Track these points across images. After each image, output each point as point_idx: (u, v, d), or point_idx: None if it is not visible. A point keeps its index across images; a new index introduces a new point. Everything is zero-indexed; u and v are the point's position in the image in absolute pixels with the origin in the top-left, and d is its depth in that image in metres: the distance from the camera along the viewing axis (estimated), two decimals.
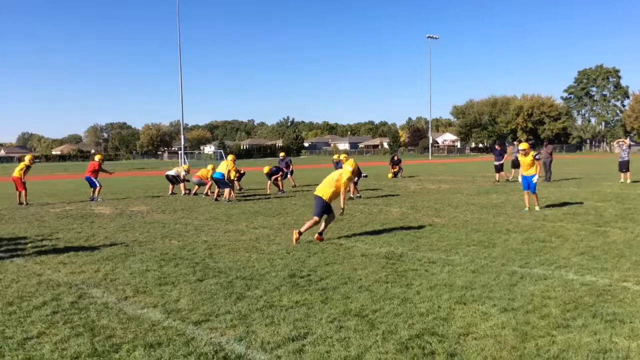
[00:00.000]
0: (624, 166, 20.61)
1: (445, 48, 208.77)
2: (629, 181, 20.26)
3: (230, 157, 17.32)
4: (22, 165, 17.17)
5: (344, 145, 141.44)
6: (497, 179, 22.14)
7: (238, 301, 5.63)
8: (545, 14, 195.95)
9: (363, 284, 6.22)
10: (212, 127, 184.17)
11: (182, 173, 19.09)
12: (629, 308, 5.14)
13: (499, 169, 22.23)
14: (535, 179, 12.63)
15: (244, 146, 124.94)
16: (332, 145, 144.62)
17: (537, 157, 12.88)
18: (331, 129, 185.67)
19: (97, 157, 18.37)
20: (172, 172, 19.23)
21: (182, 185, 18.85)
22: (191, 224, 11.49)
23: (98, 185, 17.50)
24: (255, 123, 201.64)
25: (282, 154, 21.60)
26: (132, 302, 5.71)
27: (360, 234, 9.74)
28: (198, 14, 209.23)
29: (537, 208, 12.65)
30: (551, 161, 22.38)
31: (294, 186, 21.14)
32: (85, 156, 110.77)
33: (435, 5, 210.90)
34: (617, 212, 11.94)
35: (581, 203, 13.86)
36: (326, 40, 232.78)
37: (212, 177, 16.96)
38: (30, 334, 4.76)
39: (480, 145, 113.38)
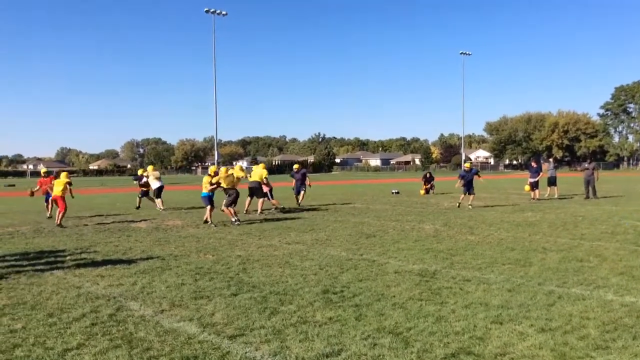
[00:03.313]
0: None
1: (478, 64, 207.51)
2: None
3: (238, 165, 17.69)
4: (63, 182, 15.46)
5: (375, 162, 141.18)
6: (533, 197, 21.79)
7: (272, 316, 5.67)
8: (580, 28, 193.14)
9: (397, 301, 6.19)
10: (244, 143, 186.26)
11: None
12: None
13: (535, 186, 21.88)
14: None
15: (276, 162, 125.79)
16: (363, 161, 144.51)
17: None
18: (362, 144, 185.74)
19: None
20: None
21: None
22: (225, 239, 11.62)
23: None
24: (287, 139, 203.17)
25: (296, 166, 20.72)
26: (169, 315, 5.80)
27: (394, 251, 9.70)
28: (231, 28, 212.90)
29: None
30: (594, 179, 21.95)
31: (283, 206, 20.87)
32: (121, 171, 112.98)
33: (468, 20, 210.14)
34: None
35: (619, 222, 13.53)
36: (357, 55, 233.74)
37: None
38: (70, 345, 4.87)
39: (515, 162, 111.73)
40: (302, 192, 19.69)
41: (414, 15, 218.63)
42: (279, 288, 6.94)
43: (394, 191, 28.51)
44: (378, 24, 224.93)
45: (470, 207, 18.20)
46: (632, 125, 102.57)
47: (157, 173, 20.07)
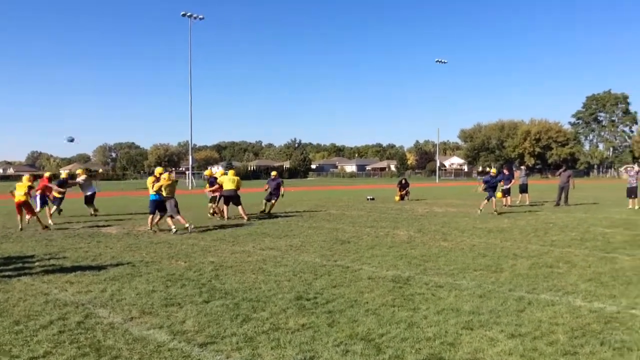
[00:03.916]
0: (632, 192, 20.53)
1: (454, 71, 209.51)
2: (637, 207, 20.17)
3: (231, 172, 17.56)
4: (24, 186, 14.85)
5: (351, 168, 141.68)
6: (504, 203, 22.07)
7: (244, 323, 5.62)
8: (553, 38, 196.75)
9: (370, 308, 6.20)
10: (220, 148, 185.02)
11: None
12: (637, 336, 5.09)
13: (507, 193, 22.17)
14: None
15: (252, 167, 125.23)
16: (339, 167, 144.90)
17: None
18: (338, 150, 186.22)
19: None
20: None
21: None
22: (197, 245, 11.50)
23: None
24: (263, 144, 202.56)
25: (273, 174, 20.58)
26: (138, 322, 5.71)
27: (368, 257, 9.72)
28: (208, 33, 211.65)
29: None
30: (569, 186, 22.35)
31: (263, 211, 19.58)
32: (93, 175, 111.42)
33: (444, 29, 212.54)
34: (625, 239, 11.88)
35: (589, 229, 13.79)
36: (334, 62, 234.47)
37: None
38: (36, 354, 4.76)
39: (488, 168, 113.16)
40: (273, 201, 19.39)
41: (390, 21, 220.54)
42: (251, 295, 6.89)
43: (369, 197, 28.62)
44: (355, 30, 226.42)
45: (495, 212, 18.29)
46: (602, 133, 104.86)
47: (86, 177, 19.56)
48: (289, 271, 8.43)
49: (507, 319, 5.67)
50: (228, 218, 16.75)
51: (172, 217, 13.88)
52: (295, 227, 14.88)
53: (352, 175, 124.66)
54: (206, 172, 20.33)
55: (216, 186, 17.53)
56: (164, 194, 13.90)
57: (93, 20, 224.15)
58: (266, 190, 19.61)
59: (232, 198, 16.87)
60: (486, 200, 18.76)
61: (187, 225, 13.77)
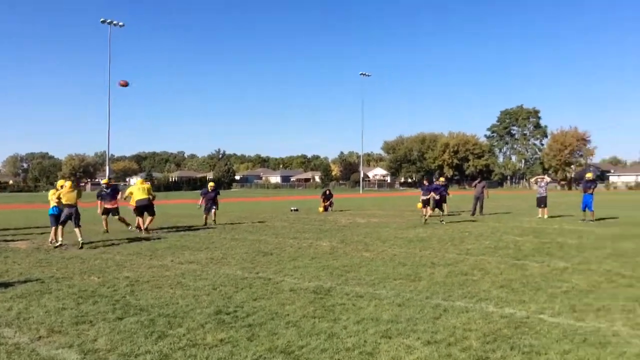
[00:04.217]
0: (542, 202, 21.70)
1: (378, 84, 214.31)
2: (546, 216, 21.30)
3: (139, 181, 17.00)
4: None
5: (275, 179, 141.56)
6: (424, 213, 22.67)
7: (159, 340, 5.42)
8: (470, 54, 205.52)
9: (290, 320, 6.16)
10: (139, 158, 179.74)
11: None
12: (545, 340, 5.35)
13: (427, 203, 22.80)
14: None
15: (173, 178, 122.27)
16: (263, 178, 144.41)
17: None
18: (263, 161, 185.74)
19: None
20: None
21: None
22: (112, 259, 11.04)
23: None
24: (185, 155, 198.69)
25: (211, 185, 20.32)
26: (46, 342, 5.39)
27: (290, 269, 9.68)
28: (128, 40, 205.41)
29: None
30: (484, 196, 23.37)
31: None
32: (2, 187, 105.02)
33: (368, 42, 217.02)
34: (534, 246, 12.50)
35: (502, 237, 14.43)
36: (259, 72, 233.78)
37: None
38: None
39: (410, 179, 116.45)
40: (213, 211, 19.23)
41: (315, 33, 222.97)
42: (168, 310, 6.68)
43: (293, 208, 28.65)
44: (280, 40, 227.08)
45: (442, 221, 19.33)
46: (515, 146, 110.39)
47: None
48: (209, 285, 8.25)
49: (423, 327, 5.80)
50: (146, 230, 16.16)
51: (79, 227, 13.26)
52: (217, 239, 14.63)
53: (276, 186, 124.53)
54: (103, 181, 18.96)
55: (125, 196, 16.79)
56: (64, 201, 13.32)
57: (2, 23, 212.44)
58: (202, 204, 19.26)
59: (146, 207, 16.32)
60: (431, 210, 19.82)
61: (79, 240, 13.02)
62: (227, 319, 6.21)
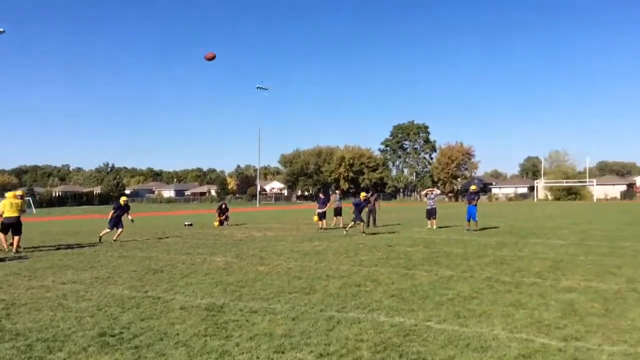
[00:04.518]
0: (432, 213, 22.71)
1: (276, 97, 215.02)
2: (435, 227, 22.30)
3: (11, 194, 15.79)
4: None
5: (169, 193, 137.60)
6: (320, 226, 22.99)
7: None
8: (363, 71, 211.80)
9: (180, 339, 5.94)
10: (20, 172, 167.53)
11: None
12: (431, 346, 5.54)
13: (322, 216, 23.14)
14: None
15: (57, 193, 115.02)
16: (156, 192, 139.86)
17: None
18: (156, 175, 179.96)
19: None
20: None
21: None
22: None
23: None
24: (70, 168, 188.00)
25: (123, 199, 19.19)
26: None
27: (181, 286, 9.37)
28: (9, 47, 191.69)
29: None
30: (376, 209, 24.10)
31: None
32: None
33: (264, 54, 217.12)
34: (424, 256, 13.01)
35: (394, 248, 14.90)
36: (150, 85, 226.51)
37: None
38: None
39: (306, 193, 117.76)
40: (119, 230, 18.15)
41: (211, 43, 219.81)
42: (48, 334, 6.21)
43: (186, 223, 27.91)
44: (170, 52, 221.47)
45: (364, 233, 18.56)
46: (407, 160, 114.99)
47: None
48: (93, 306, 7.78)
49: (317, 339, 5.81)
50: (15, 248, 14.93)
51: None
52: (103, 257, 13.88)
53: (170, 200, 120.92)
54: None
55: None
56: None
57: None
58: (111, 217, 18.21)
59: (14, 226, 15.11)
60: (352, 222, 20.13)
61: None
62: (112, 341, 5.88)
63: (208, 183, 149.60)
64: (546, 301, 7.73)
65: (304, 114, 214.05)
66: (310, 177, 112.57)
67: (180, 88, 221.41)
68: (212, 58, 14.69)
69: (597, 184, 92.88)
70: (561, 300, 7.81)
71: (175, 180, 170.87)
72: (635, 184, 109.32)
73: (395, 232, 20.92)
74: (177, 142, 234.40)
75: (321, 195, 25.27)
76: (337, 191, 30.76)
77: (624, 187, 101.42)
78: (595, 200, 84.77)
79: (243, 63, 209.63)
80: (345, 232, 20.13)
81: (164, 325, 6.61)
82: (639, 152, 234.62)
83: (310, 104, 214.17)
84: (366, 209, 22.13)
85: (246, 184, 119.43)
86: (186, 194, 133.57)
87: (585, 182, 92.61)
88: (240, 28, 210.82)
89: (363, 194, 21.76)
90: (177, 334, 6.16)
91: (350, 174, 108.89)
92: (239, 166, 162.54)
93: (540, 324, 6.47)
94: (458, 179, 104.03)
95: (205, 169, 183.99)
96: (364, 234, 19.65)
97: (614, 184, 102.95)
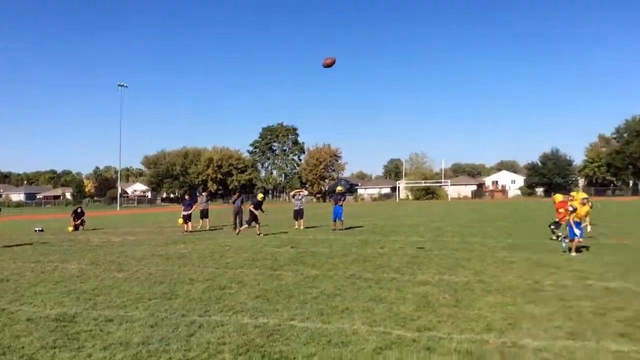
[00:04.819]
0: (299, 214, 23.03)
1: (138, 96, 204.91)
2: (302, 227, 22.65)
3: None
4: None
5: (18, 196, 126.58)
6: (186, 229, 22.37)
7: None
8: (234, 69, 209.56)
9: (25, 352, 5.45)
10: None
11: None
12: (294, 344, 5.58)
13: (188, 218, 22.54)
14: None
15: None
16: (3, 195, 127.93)
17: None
18: (4, 177, 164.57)
19: None
20: None
21: None
22: None
23: None
24: None
25: None
26: None
27: (29, 296, 8.59)
28: None
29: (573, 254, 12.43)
30: (243, 211, 23.89)
31: None
32: None
33: (126, 52, 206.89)
34: (290, 256, 13.13)
35: (261, 249, 14.90)
36: None
37: None
38: None
39: (172, 195, 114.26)
40: None
41: (68, 39, 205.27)
42: None
43: (37, 229, 25.73)
44: (21, 41, 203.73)
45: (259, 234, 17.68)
46: (276, 161, 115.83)
47: None
48: None
49: (176, 345, 5.61)
50: None
51: None
52: None
53: (19, 204, 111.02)
54: None
55: None
56: None
57: None
58: None
59: None
60: (247, 224, 20.25)
61: None
62: None
63: (63, 185, 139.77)
64: (403, 295, 8.14)
65: (170, 114, 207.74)
66: (177, 178, 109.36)
67: (27, 85, 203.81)
68: (332, 64, 13.37)
69: (451, 184, 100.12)
70: (417, 293, 8.26)
71: (25, 182, 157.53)
72: (484, 183, 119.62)
73: (263, 233, 20.92)
74: (28, 142, 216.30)
75: (187, 197, 24.60)
76: (203, 193, 30.15)
77: (474, 187, 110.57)
78: (449, 200, 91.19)
79: (102, 58, 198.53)
80: (237, 232, 20.35)
81: (7, 338, 6.02)
82: (488, 155, 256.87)
83: (177, 104, 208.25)
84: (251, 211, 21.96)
85: (106, 186, 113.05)
86: (38, 197, 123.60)
87: (441, 182, 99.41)
88: (99, 21, 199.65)
89: (260, 195, 21.58)
90: (22, 347, 5.65)
91: (219, 176, 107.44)
92: (97, 167, 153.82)
93: (397, 316, 6.78)
94: (326, 180, 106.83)
95: (59, 170, 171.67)
96: (260, 235, 19.49)
97: (466, 184, 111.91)
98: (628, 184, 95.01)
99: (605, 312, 6.85)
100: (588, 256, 12.23)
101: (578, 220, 12.55)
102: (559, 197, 17.13)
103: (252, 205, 20.52)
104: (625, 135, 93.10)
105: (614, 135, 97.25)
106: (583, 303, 7.39)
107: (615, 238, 16.22)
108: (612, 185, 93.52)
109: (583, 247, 13.20)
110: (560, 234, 15.18)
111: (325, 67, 12.91)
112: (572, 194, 13.70)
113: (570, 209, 12.51)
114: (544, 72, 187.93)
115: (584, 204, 12.54)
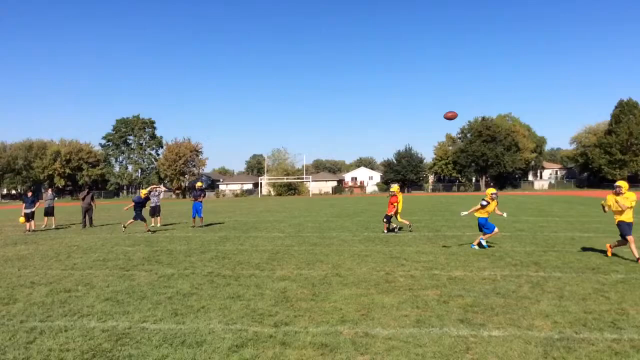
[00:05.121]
0: (156, 211, 22.18)
1: None
2: (159, 225, 21.85)
3: None
4: None
5: None
6: (28, 228, 20.58)
7: None
8: (82, 58, 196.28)
9: None
10: None
11: None
12: (145, 347, 5.36)
13: (30, 217, 20.75)
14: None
15: None
16: None
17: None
18: None
19: None
20: None
21: None
22: None
23: None
24: None
25: None
26: None
27: None
28: None
29: None
30: (93, 208, 22.52)
31: None
32: None
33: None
34: (145, 255, 12.61)
35: (113, 248, 14.13)
36: None
37: None
38: None
39: (14, 191, 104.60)
40: None
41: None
42: None
43: None
44: None
45: (149, 231, 15.83)
46: (131, 156, 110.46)
47: None
48: None
49: (13, 354, 5.16)
50: None
51: None
52: None
53: None
54: None
55: None
56: None
57: None
58: None
59: None
60: (132, 220, 19.38)
61: None
62: None
63: None
64: (262, 291, 8.17)
65: (10, 103, 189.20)
66: (19, 173, 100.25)
67: None
68: (453, 118, 12.90)
69: (312, 180, 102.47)
70: (275, 288, 8.34)
71: None
72: (344, 180, 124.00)
73: (116, 231, 19.89)
74: None
75: (29, 194, 22.60)
76: (49, 189, 27.93)
77: (335, 183, 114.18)
78: (311, 195, 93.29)
79: None
80: (123, 228, 19.62)
81: None
82: (347, 153, 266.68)
83: (17, 92, 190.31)
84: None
85: None
86: None
87: (303, 178, 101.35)
88: None
89: (144, 191, 20.26)
90: None
91: (67, 170, 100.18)
92: None
93: (255, 313, 6.79)
94: (186, 176, 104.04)
95: None
96: (149, 232, 18.39)
97: (327, 180, 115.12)
98: (471, 180, 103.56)
99: (448, 300, 7.41)
100: (434, 248, 13.16)
101: (487, 215, 13.31)
102: (395, 187, 18.06)
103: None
104: (469, 135, 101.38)
105: (459, 135, 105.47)
106: (429, 292, 7.94)
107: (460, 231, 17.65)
108: (457, 181, 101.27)
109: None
110: (394, 225, 17.05)
111: (446, 119, 13.59)
112: (488, 191, 14.41)
113: (484, 203, 13.27)
114: (395, 77, 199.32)
115: (493, 199, 13.43)
